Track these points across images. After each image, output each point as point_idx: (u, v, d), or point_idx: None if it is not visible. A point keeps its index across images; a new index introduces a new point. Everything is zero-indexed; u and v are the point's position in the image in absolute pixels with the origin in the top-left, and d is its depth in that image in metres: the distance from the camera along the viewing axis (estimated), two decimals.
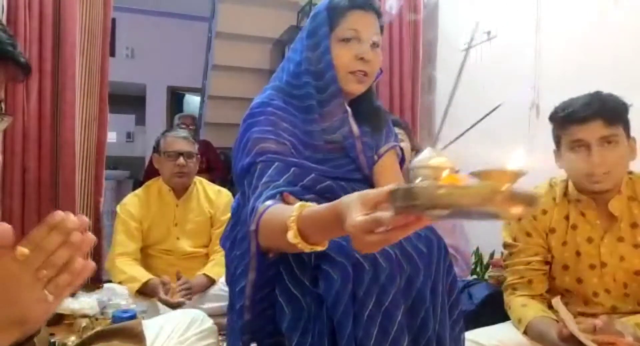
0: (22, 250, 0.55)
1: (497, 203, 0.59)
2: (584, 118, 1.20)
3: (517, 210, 0.60)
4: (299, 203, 0.82)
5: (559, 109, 1.27)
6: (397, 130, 0.87)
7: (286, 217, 0.80)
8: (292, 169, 1.03)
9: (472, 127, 0.81)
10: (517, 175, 0.64)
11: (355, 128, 1.15)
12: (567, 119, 1.23)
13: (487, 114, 0.81)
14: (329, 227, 0.75)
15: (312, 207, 0.80)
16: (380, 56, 1.15)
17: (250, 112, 1.12)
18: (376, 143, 1.19)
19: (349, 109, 1.13)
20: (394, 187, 0.64)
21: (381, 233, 0.66)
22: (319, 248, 0.81)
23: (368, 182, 1.15)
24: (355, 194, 0.70)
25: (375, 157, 1.19)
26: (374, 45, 1.13)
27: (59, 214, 0.57)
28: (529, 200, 0.62)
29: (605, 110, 1.19)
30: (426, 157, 0.69)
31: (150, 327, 0.98)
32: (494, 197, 0.59)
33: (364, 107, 1.19)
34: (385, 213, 0.65)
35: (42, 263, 0.54)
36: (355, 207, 0.68)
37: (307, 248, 0.80)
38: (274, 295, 1.01)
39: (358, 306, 0.90)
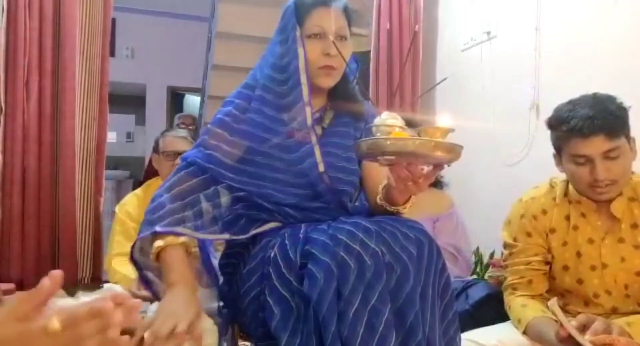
0: (55, 323, 0.51)
1: (425, 150, 0.87)
2: (586, 134, 1.17)
3: (439, 154, 0.87)
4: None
5: (558, 120, 1.23)
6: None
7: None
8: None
9: (429, 89, 0.99)
10: (446, 131, 0.89)
11: (309, 118, 1.18)
12: (568, 133, 1.21)
13: (439, 83, 0.97)
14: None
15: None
16: (347, 48, 1.20)
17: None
18: (359, 132, 1.26)
19: (305, 98, 1.17)
20: (360, 140, 0.93)
21: None
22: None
23: (309, 172, 1.17)
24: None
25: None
26: (341, 38, 1.18)
27: (110, 304, 0.53)
28: (448, 148, 0.88)
29: (607, 124, 1.16)
30: (384, 117, 0.95)
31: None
32: (422, 146, 0.87)
33: (340, 98, 1.26)
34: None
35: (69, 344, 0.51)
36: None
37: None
38: (264, 296, 1.01)
39: (344, 305, 0.91)
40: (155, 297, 1.67)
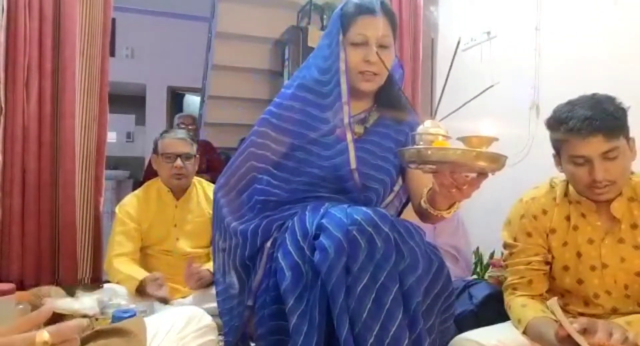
0: (44, 335, 0.53)
1: (467, 159, 0.87)
2: (585, 135, 1.17)
3: (482, 164, 0.88)
4: None
5: (557, 120, 1.23)
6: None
7: None
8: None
9: (468, 102, 1.00)
10: (490, 140, 0.89)
11: (346, 117, 1.24)
12: (567, 134, 1.21)
13: (483, 91, 0.99)
14: None
15: None
16: (389, 55, 1.27)
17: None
18: (402, 136, 1.33)
19: (343, 98, 1.24)
20: (403, 149, 0.95)
21: None
22: None
23: (345, 174, 1.23)
24: None
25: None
26: (382, 47, 1.24)
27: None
28: (490, 158, 0.88)
29: (606, 125, 1.16)
30: (427, 126, 0.95)
31: (147, 326, 0.94)
32: (463, 156, 0.87)
33: (384, 101, 1.34)
34: None
35: None
36: None
37: None
38: (277, 261, 1.06)
39: (352, 280, 0.95)
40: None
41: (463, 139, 0.90)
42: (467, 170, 0.95)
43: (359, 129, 1.31)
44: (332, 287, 0.94)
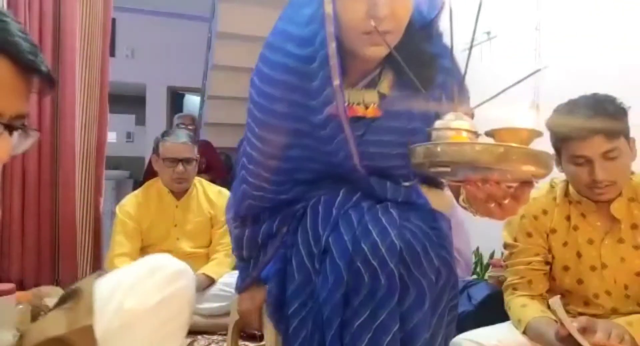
0: None
1: (491, 159, 0.62)
2: (585, 135, 1.17)
3: (515, 165, 0.63)
4: None
5: (557, 120, 1.24)
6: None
7: None
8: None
9: (503, 91, 0.76)
10: (529, 134, 0.63)
11: (340, 107, 0.92)
12: (567, 134, 1.21)
13: (528, 76, 0.76)
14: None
15: None
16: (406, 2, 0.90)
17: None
18: (432, 97, 0.93)
19: (335, 81, 0.91)
20: (410, 147, 0.70)
21: None
22: None
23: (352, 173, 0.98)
24: None
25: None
26: None
27: None
28: (526, 156, 0.62)
29: (606, 125, 1.16)
30: (448, 119, 0.69)
31: (105, 284, 0.81)
32: (485, 153, 0.62)
33: (402, 54, 0.85)
34: None
35: None
36: None
37: None
38: (290, 254, 1.00)
39: (351, 314, 0.88)
40: None
41: (493, 133, 0.67)
42: (499, 176, 0.70)
43: (371, 97, 0.98)
44: (327, 315, 0.88)
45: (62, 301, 0.80)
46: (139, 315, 0.74)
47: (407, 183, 1.00)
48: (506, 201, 0.74)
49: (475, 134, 0.69)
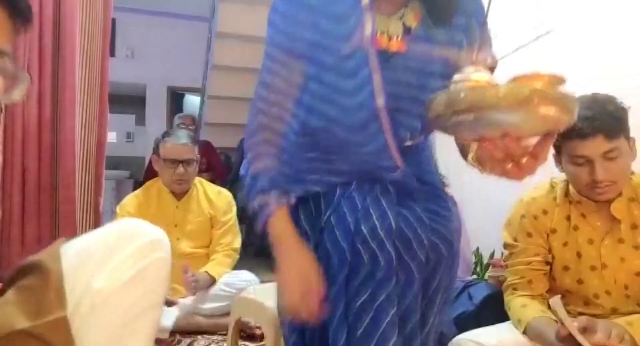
0: None
1: (516, 102, 0.58)
2: (586, 135, 1.17)
3: (541, 110, 0.59)
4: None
5: None
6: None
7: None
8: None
9: (522, 46, 0.77)
10: (554, 80, 0.61)
11: (368, 28, 0.87)
12: (567, 134, 1.21)
13: (538, 37, 0.77)
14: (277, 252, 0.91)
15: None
16: None
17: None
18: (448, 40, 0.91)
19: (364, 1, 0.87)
20: (430, 97, 0.66)
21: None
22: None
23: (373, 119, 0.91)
24: None
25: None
26: None
27: None
28: (552, 99, 0.58)
29: (606, 125, 1.16)
30: (468, 71, 0.68)
31: (71, 257, 0.73)
32: (511, 96, 0.58)
33: None
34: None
35: None
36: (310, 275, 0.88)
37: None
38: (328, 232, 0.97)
39: (352, 295, 0.90)
40: None
41: (514, 80, 0.64)
42: (520, 128, 0.65)
43: (396, 28, 0.92)
44: (334, 296, 0.91)
45: (20, 274, 0.71)
46: (110, 295, 0.67)
47: (409, 142, 0.95)
48: (525, 159, 0.70)
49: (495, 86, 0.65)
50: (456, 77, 0.69)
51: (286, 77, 0.95)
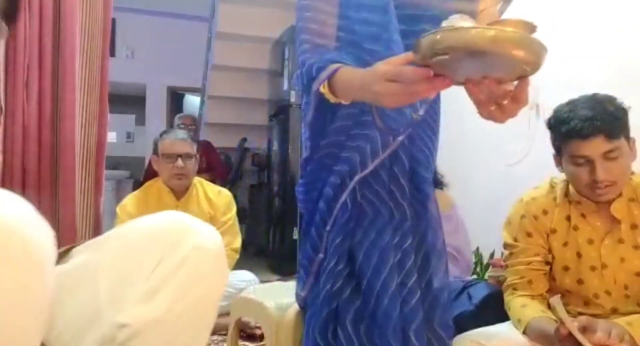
0: None
1: (488, 42, 0.65)
2: (586, 135, 1.17)
3: (509, 50, 0.66)
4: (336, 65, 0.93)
5: (558, 120, 1.24)
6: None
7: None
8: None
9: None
10: (523, 25, 0.68)
11: None
12: (567, 134, 1.21)
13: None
14: (351, 87, 0.90)
15: (346, 69, 0.92)
16: None
17: None
18: None
19: None
20: (416, 40, 0.73)
21: (404, 84, 0.76)
22: (344, 102, 0.95)
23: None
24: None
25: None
26: None
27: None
28: (519, 41, 0.66)
29: (607, 125, 1.16)
30: (453, 18, 0.75)
31: (85, 280, 0.56)
32: (480, 36, 0.65)
33: None
34: (407, 67, 0.75)
35: None
36: (379, 63, 0.81)
37: (333, 100, 0.95)
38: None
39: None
40: None
41: (490, 25, 0.71)
42: (497, 68, 0.72)
43: None
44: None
45: None
46: (141, 330, 0.50)
47: (415, 115, 1.05)
48: (505, 102, 0.77)
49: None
50: (443, 23, 0.75)
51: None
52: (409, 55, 0.78)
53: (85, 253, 0.60)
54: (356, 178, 1.06)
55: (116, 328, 0.51)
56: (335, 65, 0.94)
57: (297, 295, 1.18)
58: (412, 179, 1.11)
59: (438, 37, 0.68)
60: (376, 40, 1.03)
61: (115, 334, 0.50)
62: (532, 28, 0.69)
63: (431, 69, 0.73)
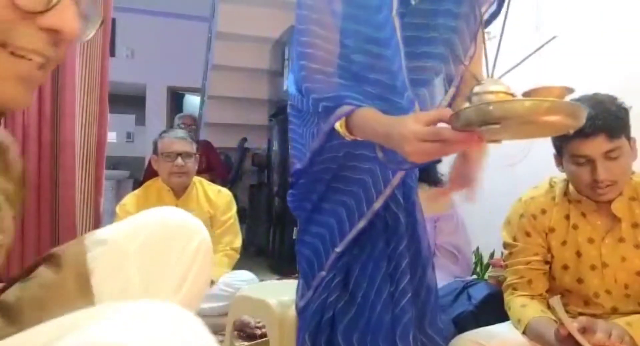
0: None
1: (538, 113, 0.69)
2: (587, 134, 1.17)
3: (556, 118, 0.70)
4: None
5: None
6: None
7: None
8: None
9: (528, 56, 0.88)
10: (564, 91, 0.73)
11: None
12: (568, 134, 1.21)
13: (542, 45, 0.89)
14: (373, 132, 0.89)
15: (367, 109, 0.92)
16: None
17: None
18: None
19: None
20: (453, 111, 0.76)
21: (438, 143, 0.77)
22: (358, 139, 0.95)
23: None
24: (409, 115, 0.86)
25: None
26: None
27: None
28: (567, 110, 0.71)
29: (608, 124, 1.16)
30: (486, 83, 0.79)
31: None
32: (534, 108, 0.69)
33: None
34: (446, 128, 0.76)
35: None
36: (409, 120, 0.80)
37: (348, 138, 0.95)
38: None
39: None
40: None
41: (530, 92, 0.76)
42: (542, 132, 0.79)
43: None
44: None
45: (37, 266, 0.64)
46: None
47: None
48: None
49: (512, 96, 0.77)
50: (475, 89, 0.79)
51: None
52: (440, 113, 0.79)
53: (102, 245, 0.64)
54: (374, 205, 1.07)
55: None
56: (348, 108, 0.93)
57: (296, 305, 1.20)
58: (403, 190, 1.13)
59: (491, 108, 0.71)
60: (379, 70, 1.01)
61: None
62: (571, 91, 0.74)
63: (473, 133, 0.75)
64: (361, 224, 1.07)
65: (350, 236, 1.08)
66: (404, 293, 1.06)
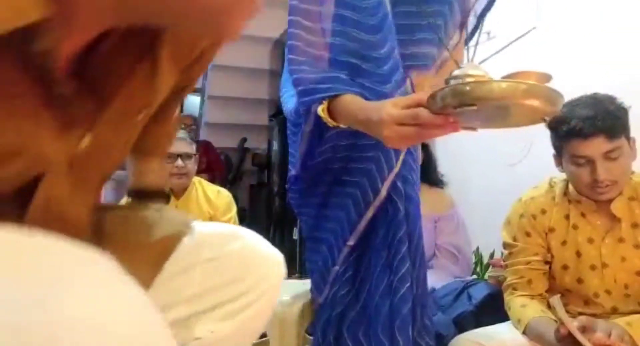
0: None
1: (516, 95, 0.69)
2: (587, 135, 1.17)
3: (533, 102, 0.69)
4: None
5: (558, 120, 1.24)
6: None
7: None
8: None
9: (505, 47, 0.89)
10: (543, 77, 0.72)
11: None
12: (568, 134, 1.21)
13: (520, 36, 0.89)
14: (354, 119, 0.89)
15: (349, 96, 0.92)
16: None
17: None
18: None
19: None
20: (431, 92, 0.75)
21: (415, 127, 0.77)
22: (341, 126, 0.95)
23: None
24: (388, 99, 0.84)
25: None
26: None
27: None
28: (545, 94, 0.69)
29: (607, 124, 1.16)
30: (465, 67, 0.79)
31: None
32: (511, 90, 0.69)
33: None
34: (423, 110, 0.75)
35: None
36: (387, 104, 0.80)
37: (331, 124, 0.94)
38: None
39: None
40: None
41: (509, 76, 0.76)
42: (517, 118, 0.79)
43: None
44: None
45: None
46: (211, 344, 0.61)
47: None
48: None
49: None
50: (455, 72, 0.79)
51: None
52: (418, 97, 0.78)
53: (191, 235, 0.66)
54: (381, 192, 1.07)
55: (190, 337, 0.59)
56: (331, 93, 0.94)
57: (315, 301, 1.20)
58: (403, 173, 1.12)
59: (468, 88, 0.70)
60: (369, 58, 1.02)
61: (186, 341, 0.59)
62: (549, 78, 0.74)
63: (449, 116, 0.75)
64: (370, 213, 1.07)
65: (360, 227, 1.08)
66: (403, 280, 1.04)
